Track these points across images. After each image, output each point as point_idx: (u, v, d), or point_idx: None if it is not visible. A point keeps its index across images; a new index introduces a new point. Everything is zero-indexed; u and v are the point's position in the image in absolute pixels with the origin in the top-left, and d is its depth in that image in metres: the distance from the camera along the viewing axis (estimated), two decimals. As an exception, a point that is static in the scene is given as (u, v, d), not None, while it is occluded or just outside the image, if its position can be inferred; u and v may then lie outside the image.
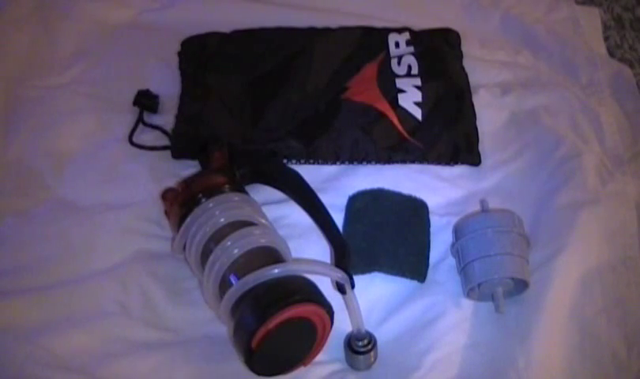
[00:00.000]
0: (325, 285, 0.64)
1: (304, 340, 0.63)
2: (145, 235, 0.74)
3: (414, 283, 0.71)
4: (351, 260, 0.67)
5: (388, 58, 0.88)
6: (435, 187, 0.79)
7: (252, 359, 0.58)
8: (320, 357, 0.66)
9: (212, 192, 0.67)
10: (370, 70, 0.87)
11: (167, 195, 0.71)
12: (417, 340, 0.67)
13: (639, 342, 0.68)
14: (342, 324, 0.68)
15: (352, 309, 0.64)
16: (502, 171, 0.81)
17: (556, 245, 0.73)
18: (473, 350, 0.67)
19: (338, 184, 0.79)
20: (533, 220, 0.76)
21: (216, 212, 0.65)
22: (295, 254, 0.72)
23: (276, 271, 0.60)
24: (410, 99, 0.83)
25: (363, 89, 0.85)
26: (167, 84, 0.87)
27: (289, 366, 0.63)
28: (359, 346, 0.65)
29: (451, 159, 0.81)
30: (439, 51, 0.90)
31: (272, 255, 0.64)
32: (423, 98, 0.84)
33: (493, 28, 0.98)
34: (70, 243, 0.73)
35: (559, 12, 1.01)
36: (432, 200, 0.77)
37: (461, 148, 0.82)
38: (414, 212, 0.75)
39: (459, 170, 0.82)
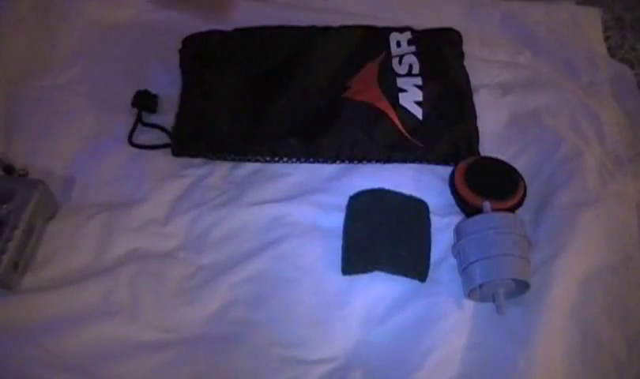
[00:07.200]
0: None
1: None
2: (146, 235, 0.74)
3: (415, 283, 0.71)
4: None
5: (389, 57, 0.88)
6: (436, 187, 0.79)
7: None
8: (321, 354, 0.66)
9: None
10: (371, 69, 0.87)
11: None
12: (418, 340, 0.67)
13: (640, 343, 0.68)
14: (342, 322, 0.68)
15: None
16: (503, 171, 0.81)
17: (557, 245, 0.73)
18: (474, 350, 0.67)
19: (339, 183, 0.79)
20: (534, 221, 0.76)
21: None
22: (294, 254, 0.73)
23: None
24: (411, 98, 0.83)
25: (363, 88, 0.84)
26: (167, 84, 0.87)
27: None
28: None
29: (451, 158, 0.81)
30: (440, 51, 0.90)
31: None
32: (423, 97, 0.84)
33: (494, 28, 0.98)
34: (70, 243, 0.73)
35: (559, 12, 1.01)
36: (433, 200, 0.77)
37: (461, 147, 0.82)
38: (415, 211, 0.75)
39: (460, 170, 0.81)
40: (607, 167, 0.81)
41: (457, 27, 0.94)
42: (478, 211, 0.72)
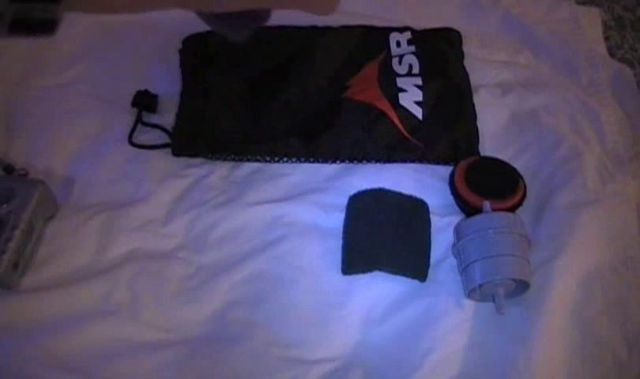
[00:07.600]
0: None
1: None
2: (146, 235, 0.74)
3: (415, 283, 0.71)
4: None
5: (389, 57, 0.88)
6: (436, 187, 0.79)
7: None
8: (320, 354, 0.66)
9: None
10: (371, 69, 0.87)
11: None
12: (418, 340, 0.67)
13: (640, 342, 0.68)
14: (342, 322, 0.68)
15: None
16: (503, 171, 0.81)
17: (557, 245, 0.73)
18: (474, 350, 0.67)
19: (339, 183, 0.79)
20: (534, 220, 0.76)
21: None
22: (294, 254, 0.73)
23: None
24: (411, 98, 0.83)
25: (363, 88, 0.84)
26: (167, 84, 0.87)
27: None
28: None
29: (451, 158, 0.81)
30: (440, 51, 0.90)
31: None
32: (423, 97, 0.84)
33: (493, 27, 0.98)
34: (70, 243, 0.73)
35: (559, 12, 1.01)
36: (433, 200, 0.77)
37: (461, 147, 0.82)
38: (415, 211, 0.75)
39: (460, 170, 0.81)
40: (607, 167, 0.81)
41: (457, 27, 0.94)
42: (478, 211, 0.72)
